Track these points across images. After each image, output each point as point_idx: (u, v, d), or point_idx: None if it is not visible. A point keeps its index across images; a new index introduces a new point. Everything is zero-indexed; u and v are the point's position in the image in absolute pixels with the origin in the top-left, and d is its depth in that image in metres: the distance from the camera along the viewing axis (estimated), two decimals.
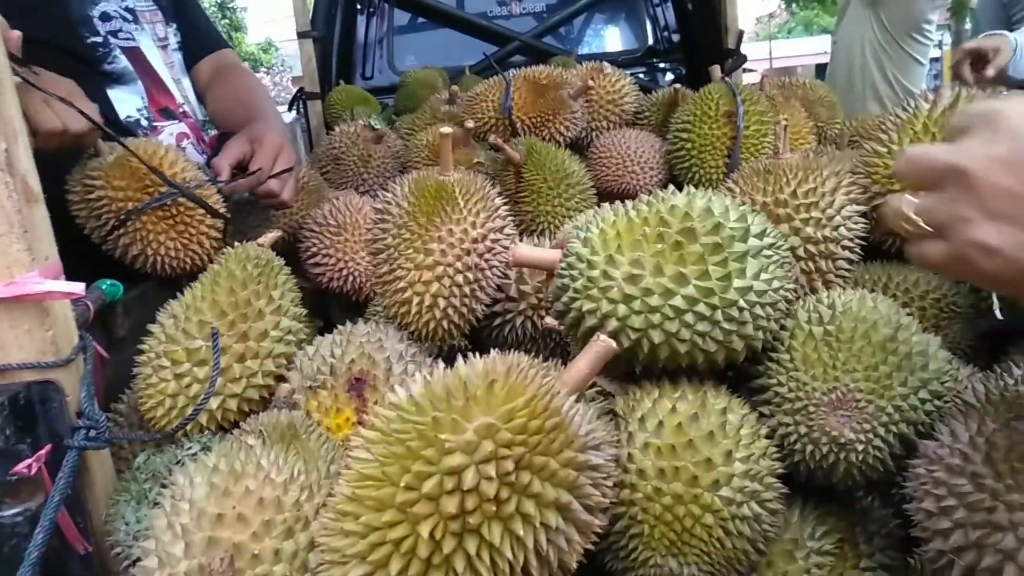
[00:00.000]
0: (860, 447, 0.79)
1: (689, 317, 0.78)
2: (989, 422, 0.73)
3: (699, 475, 0.74)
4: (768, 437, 0.83)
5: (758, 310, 0.80)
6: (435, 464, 0.63)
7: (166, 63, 1.97)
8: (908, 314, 0.92)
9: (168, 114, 1.96)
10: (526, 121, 1.97)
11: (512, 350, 1.18)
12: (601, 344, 0.73)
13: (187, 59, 2.03)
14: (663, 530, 0.74)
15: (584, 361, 0.73)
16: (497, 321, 1.19)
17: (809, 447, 0.81)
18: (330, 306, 1.73)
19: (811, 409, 0.81)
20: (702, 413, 0.78)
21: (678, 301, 0.78)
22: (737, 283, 0.79)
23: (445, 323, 1.06)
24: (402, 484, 0.63)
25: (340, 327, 1.08)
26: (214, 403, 1.00)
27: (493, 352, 0.74)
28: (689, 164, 1.73)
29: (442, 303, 1.05)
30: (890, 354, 0.82)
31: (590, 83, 2.00)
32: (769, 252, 0.84)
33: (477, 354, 0.74)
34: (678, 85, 2.00)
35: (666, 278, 0.79)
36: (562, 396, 0.69)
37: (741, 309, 0.79)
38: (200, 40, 2.07)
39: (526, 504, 0.63)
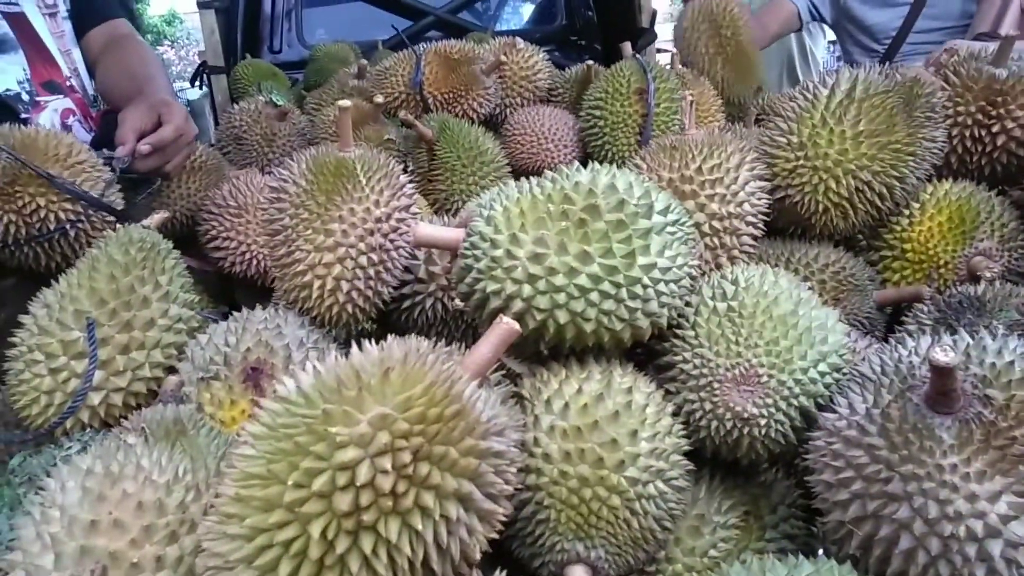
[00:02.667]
0: (763, 421, 0.79)
1: (594, 296, 0.77)
2: (884, 393, 0.74)
3: (604, 456, 0.73)
4: (674, 414, 0.83)
5: (662, 287, 0.79)
6: (326, 459, 0.59)
7: (54, 32, 1.82)
8: (809, 288, 0.93)
9: (53, 88, 1.81)
10: (438, 97, 1.92)
11: (422, 333, 1.16)
12: (503, 327, 0.70)
13: (77, 28, 1.88)
14: (569, 514, 0.73)
15: (486, 345, 0.70)
16: (406, 303, 1.15)
17: (714, 423, 0.81)
18: (235, 291, 1.65)
19: (715, 385, 0.81)
20: (608, 393, 0.77)
21: (583, 280, 0.76)
22: (641, 260, 0.78)
23: (349, 307, 1.02)
24: (290, 482, 0.59)
25: (236, 314, 1.02)
26: (96, 398, 0.93)
27: (391, 338, 0.70)
28: (602, 141, 1.72)
29: (345, 286, 1.00)
30: (790, 328, 0.82)
31: (503, 59, 1.96)
32: (673, 228, 0.83)
33: (386, 338, 0.71)
34: (591, 62, 1.99)
35: (570, 256, 0.77)
36: (464, 382, 0.66)
37: (645, 286, 0.78)
38: (92, 8, 1.92)
39: (425, 497, 0.60)
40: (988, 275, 1.08)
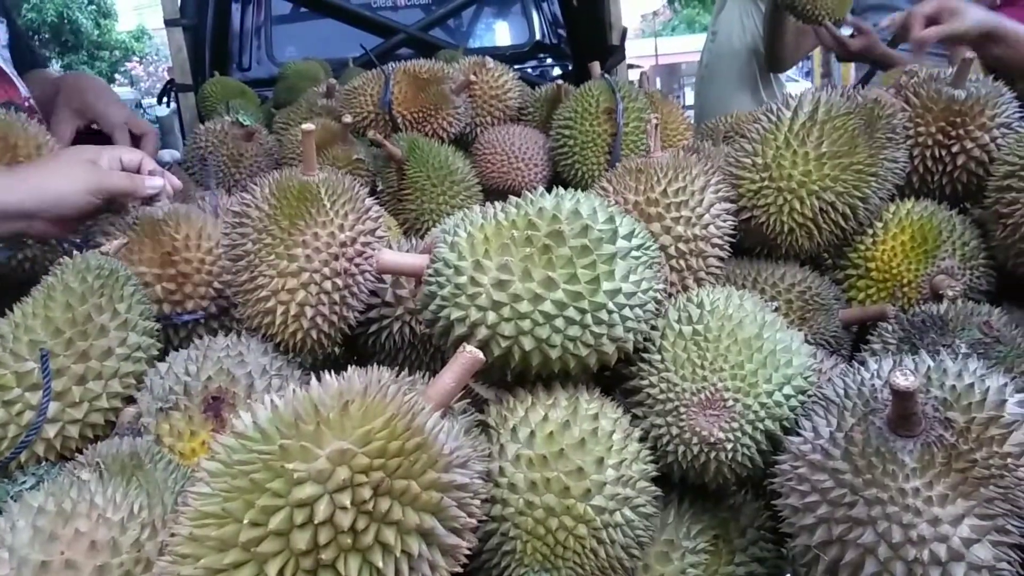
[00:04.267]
0: (729, 446, 0.79)
1: (559, 322, 0.76)
2: (848, 417, 0.75)
3: (570, 485, 0.72)
4: (642, 439, 0.83)
5: (627, 312, 0.79)
6: (283, 496, 0.58)
7: (5, 58, 1.80)
8: (775, 308, 0.94)
9: (12, 107, 1.78)
10: (407, 116, 1.91)
11: (390, 357, 1.14)
12: (467, 356, 0.70)
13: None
14: (535, 544, 0.72)
15: (450, 375, 0.69)
16: (373, 328, 1.13)
17: (681, 448, 0.81)
18: None
19: (681, 410, 0.81)
20: (574, 420, 0.76)
21: (547, 306, 0.76)
22: (606, 286, 0.77)
23: (314, 333, 1.00)
24: (246, 520, 0.57)
25: (197, 340, 1.00)
26: (51, 430, 0.90)
27: (351, 369, 0.69)
28: (572, 161, 1.73)
29: (309, 312, 0.99)
30: (755, 351, 0.83)
31: (472, 78, 1.96)
32: (638, 253, 0.83)
33: (353, 363, 0.70)
34: (560, 81, 2.00)
35: (535, 283, 0.77)
36: (426, 413, 0.65)
37: (610, 312, 0.78)
38: (24, 50, 1.92)
39: (386, 533, 0.59)
40: (950, 293, 1.10)
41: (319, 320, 1.00)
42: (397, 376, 0.71)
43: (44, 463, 0.92)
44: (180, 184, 1.32)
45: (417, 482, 0.61)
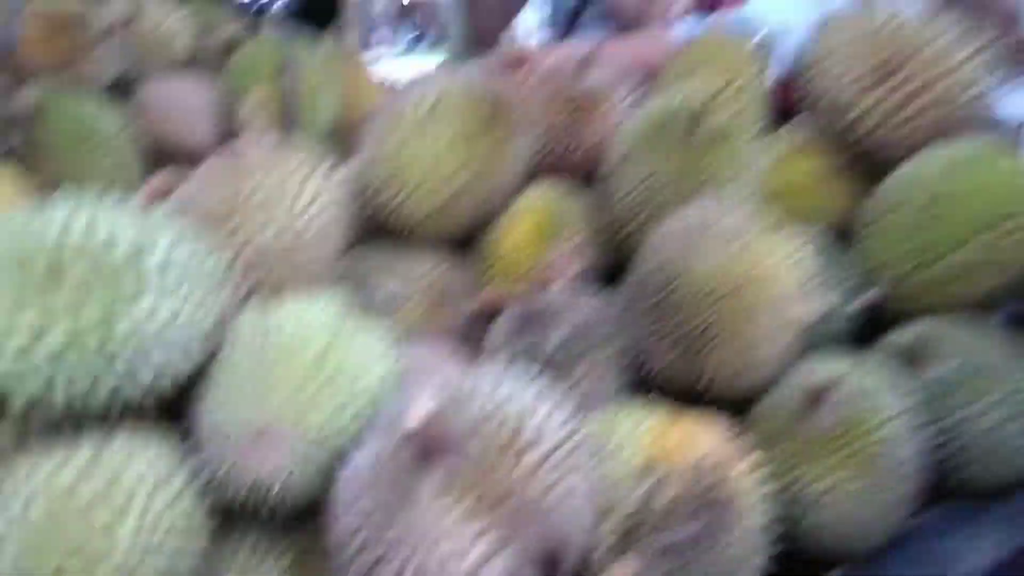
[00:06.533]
0: (277, 486, 0.74)
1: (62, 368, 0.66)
2: (386, 439, 0.72)
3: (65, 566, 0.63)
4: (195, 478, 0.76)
5: (155, 353, 0.70)
6: None
7: None
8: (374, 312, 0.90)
9: None
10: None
11: None
12: None
13: None
14: None
15: None
16: None
17: (232, 487, 0.75)
18: None
19: (230, 446, 0.74)
20: (86, 478, 0.67)
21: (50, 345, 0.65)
22: (122, 325, 0.68)
23: None
24: None
25: None
26: None
27: None
28: None
29: None
30: (319, 370, 0.78)
31: None
32: (180, 273, 0.74)
33: None
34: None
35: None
36: None
37: (129, 354, 0.68)
38: None
39: None
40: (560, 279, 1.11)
41: None
42: None
43: None
44: None
45: None
